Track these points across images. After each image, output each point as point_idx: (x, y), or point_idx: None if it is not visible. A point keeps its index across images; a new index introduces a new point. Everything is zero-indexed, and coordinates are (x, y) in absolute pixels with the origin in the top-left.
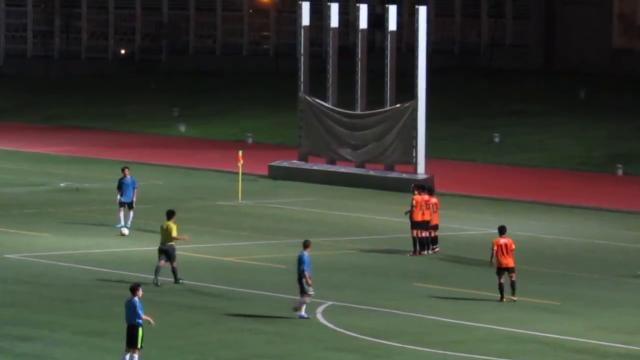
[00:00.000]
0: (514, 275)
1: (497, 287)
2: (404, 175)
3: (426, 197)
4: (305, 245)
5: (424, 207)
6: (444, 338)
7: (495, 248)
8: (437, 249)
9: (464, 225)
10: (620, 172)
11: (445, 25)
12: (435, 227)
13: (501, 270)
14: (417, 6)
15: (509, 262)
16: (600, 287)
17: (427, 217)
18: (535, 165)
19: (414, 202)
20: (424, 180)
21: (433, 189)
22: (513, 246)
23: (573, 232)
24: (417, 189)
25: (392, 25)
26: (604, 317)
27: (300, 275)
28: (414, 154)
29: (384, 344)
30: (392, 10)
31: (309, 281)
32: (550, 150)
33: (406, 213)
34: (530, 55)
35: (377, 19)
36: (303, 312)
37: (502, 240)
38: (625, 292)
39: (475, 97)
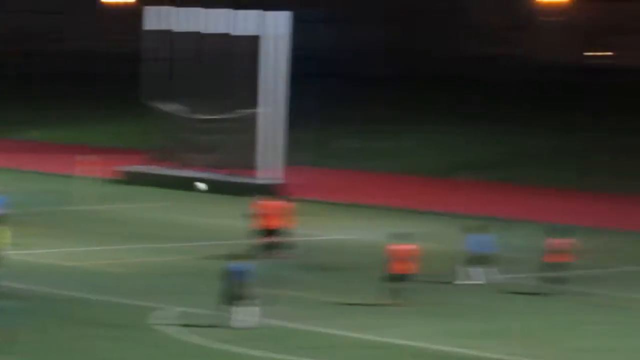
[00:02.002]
0: (406, 282)
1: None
2: (255, 180)
3: (279, 202)
4: (237, 257)
5: (274, 213)
6: (294, 344)
7: (391, 255)
8: (289, 255)
9: (318, 230)
10: (472, 178)
11: (307, 30)
12: (287, 233)
13: (396, 276)
14: (276, 11)
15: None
16: (452, 292)
17: (277, 223)
18: (394, 171)
19: (262, 208)
20: (278, 185)
21: (286, 195)
22: (415, 253)
23: (428, 236)
24: (268, 194)
25: (250, 29)
26: (452, 322)
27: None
28: (265, 159)
29: (228, 350)
30: (251, 15)
31: (249, 292)
32: (408, 156)
33: (251, 216)
34: (386, 61)
35: (234, 24)
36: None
37: (401, 247)
38: (475, 297)
39: (332, 103)
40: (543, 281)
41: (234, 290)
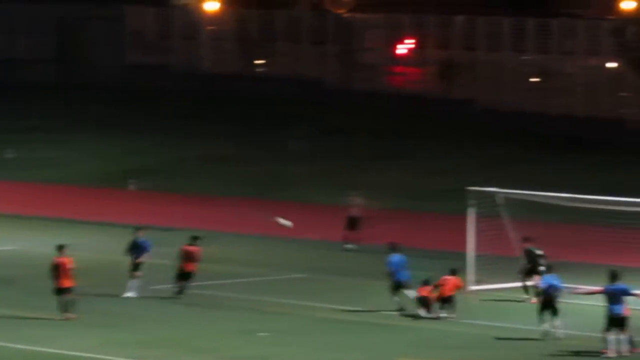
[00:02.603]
0: (71, 295)
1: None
2: None
3: None
4: None
5: None
6: None
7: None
8: None
9: None
10: (132, 187)
11: None
12: None
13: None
14: None
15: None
16: (117, 303)
17: None
18: (52, 181)
19: None
20: None
21: None
22: (71, 264)
23: (89, 247)
24: None
25: None
26: (119, 333)
27: None
28: None
29: None
30: None
31: None
32: (66, 166)
33: None
34: (46, 70)
35: None
36: None
37: (63, 259)
38: (139, 307)
39: None
40: (185, 289)
41: None
